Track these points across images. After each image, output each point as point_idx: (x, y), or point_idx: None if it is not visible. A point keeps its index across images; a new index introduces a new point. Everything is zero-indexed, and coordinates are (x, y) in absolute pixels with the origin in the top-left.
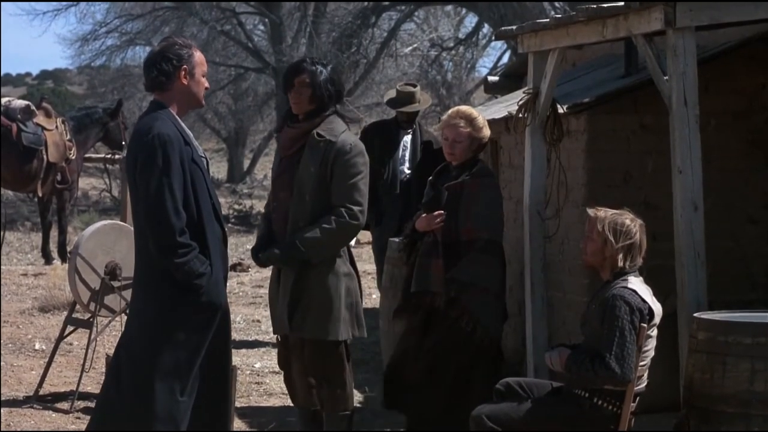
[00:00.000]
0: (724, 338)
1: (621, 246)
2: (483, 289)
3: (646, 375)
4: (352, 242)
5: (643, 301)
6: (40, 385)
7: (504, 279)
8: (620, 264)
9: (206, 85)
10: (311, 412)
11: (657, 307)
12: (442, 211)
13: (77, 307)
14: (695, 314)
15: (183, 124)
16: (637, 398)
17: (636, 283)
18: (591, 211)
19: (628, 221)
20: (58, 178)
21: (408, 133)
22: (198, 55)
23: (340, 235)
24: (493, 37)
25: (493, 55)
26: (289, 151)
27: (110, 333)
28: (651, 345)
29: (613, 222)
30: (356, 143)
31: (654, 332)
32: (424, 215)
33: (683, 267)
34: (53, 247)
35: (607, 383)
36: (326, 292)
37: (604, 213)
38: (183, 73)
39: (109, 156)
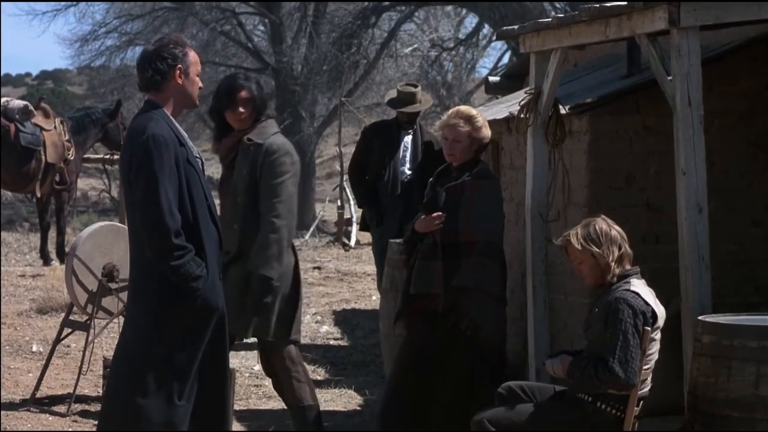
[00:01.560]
0: (729, 342)
1: (606, 247)
2: (482, 292)
3: (649, 378)
4: (352, 242)
5: (646, 303)
6: (37, 387)
7: (505, 281)
8: (617, 262)
9: (200, 84)
10: (302, 408)
11: (660, 310)
12: (441, 213)
13: (74, 309)
14: (700, 317)
15: (177, 125)
16: (641, 402)
17: (639, 286)
18: (560, 241)
19: (596, 225)
20: (57, 178)
21: (409, 134)
22: (192, 55)
23: (281, 242)
24: (495, 37)
25: (494, 56)
26: (227, 159)
27: (108, 335)
28: (655, 348)
29: (586, 234)
30: (284, 144)
31: (657, 335)
32: (423, 217)
33: (687, 270)
34: (52, 248)
35: (611, 387)
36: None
37: (572, 233)
38: (178, 72)
39: (108, 156)
